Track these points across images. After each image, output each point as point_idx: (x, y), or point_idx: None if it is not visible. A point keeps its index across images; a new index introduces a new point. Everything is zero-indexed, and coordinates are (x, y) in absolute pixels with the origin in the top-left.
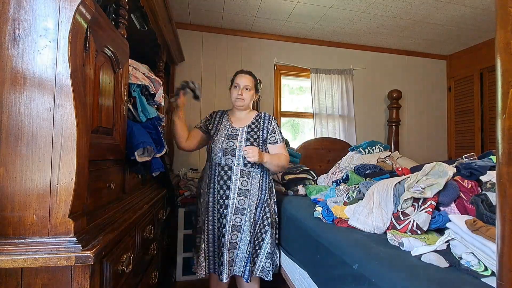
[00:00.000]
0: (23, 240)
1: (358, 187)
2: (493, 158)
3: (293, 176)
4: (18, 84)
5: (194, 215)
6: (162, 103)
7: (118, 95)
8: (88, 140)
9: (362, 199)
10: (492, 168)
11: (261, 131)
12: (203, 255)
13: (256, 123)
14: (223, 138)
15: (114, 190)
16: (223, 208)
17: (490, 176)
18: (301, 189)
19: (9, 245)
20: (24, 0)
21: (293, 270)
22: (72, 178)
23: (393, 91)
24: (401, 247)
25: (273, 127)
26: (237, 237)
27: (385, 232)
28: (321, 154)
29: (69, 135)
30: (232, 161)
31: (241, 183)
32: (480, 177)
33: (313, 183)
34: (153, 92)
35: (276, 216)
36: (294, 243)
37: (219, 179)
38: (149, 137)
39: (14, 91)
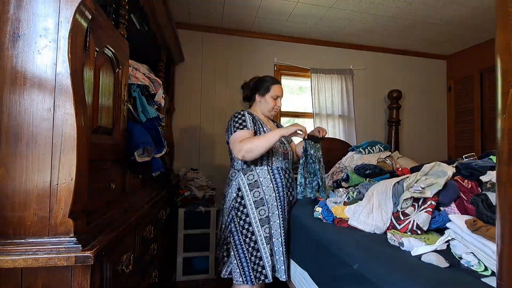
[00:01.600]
0: (23, 240)
1: (358, 188)
2: (493, 158)
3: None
4: (18, 84)
5: (236, 227)
6: (162, 104)
7: (118, 95)
8: (88, 140)
9: (362, 200)
10: (492, 168)
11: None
12: (282, 258)
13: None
14: (278, 143)
15: (114, 190)
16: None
17: (490, 176)
18: None
19: (9, 245)
20: (24, 0)
21: (293, 270)
22: (72, 178)
23: (393, 91)
24: (401, 247)
25: None
26: None
27: (385, 232)
28: None
29: (69, 135)
30: (289, 165)
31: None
32: (480, 177)
33: None
34: (153, 92)
35: None
36: (294, 243)
37: (286, 182)
38: (149, 137)
39: (14, 91)
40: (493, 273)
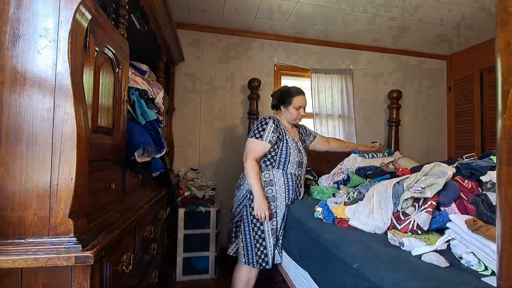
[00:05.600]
0: (23, 240)
1: (358, 189)
2: (493, 158)
3: None
4: (18, 84)
5: (247, 215)
6: (163, 108)
7: (118, 95)
8: (88, 140)
9: (362, 200)
10: (492, 168)
11: (306, 142)
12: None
13: (302, 136)
14: (296, 152)
15: (114, 190)
16: None
17: (490, 176)
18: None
19: (9, 245)
20: (24, 0)
21: (293, 270)
22: (72, 178)
23: (393, 91)
24: (401, 247)
25: (308, 130)
26: None
27: (385, 232)
28: (322, 154)
29: (69, 135)
30: (301, 172)
31: (303, 188)
32: (480, 177)
33: (314, 183)
34: (152, 96)
35: None
36: (294, 243)
37: (295, 186)
38: (149, 138)
39: (14, 91)
40: (493, 273)
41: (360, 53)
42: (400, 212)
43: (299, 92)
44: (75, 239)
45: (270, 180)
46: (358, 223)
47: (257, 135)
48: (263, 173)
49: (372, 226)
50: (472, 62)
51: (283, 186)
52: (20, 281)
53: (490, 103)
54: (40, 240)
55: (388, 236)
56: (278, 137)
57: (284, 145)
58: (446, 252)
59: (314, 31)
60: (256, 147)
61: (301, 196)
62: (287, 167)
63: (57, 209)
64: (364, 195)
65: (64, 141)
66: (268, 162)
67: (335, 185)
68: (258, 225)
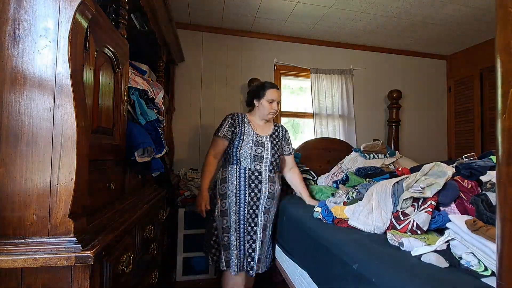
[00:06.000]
0: (23, 240)
1: (357, 188)
2: (493, 158)
3: None
4: (18, 84)
5: (211, 215)
6: (163, 108)
7: (118, 95)
8: (88, 140)
9: (361, 200)
10: (492, 168)
11: (280, 142)
12: (235, 252)
13: (276, 134)
14: (251, 144)
15: (114, 190)
16: (254, 208)
17: (490, 176)
18: None
19: (9, 245)
20: (24, 0)
21: (293, 270)
22: (72, 178)
23: (393, 91)
24: (401, 247)
25: (288, 139)
26: (265, 234)
27: (385, 232)
28: (321, 154)
29: (69, 135)
30: (261, 167)
31: (270, 187)
32: (480, 177)
33: (313, 183)
34: (152, 96)
35: None
36: (293, 243)
37: (250, 182)
38: (149, 138)
39: (14, 91)
40: (493, 273)
41: (360, 53)
42: (400, 212)
43: (272, 85)
44: (75, 239)
45: (226, 177)
46: (357, 223)
47: (216, 131)
48: (223, 171)
49: (372, 226)
50: (472, 62)
51: (234, 182)
52: (20, 281)
53: (490, 103)
54: (40, 240)
55: (388, 236)
56: (233, 131)
57: (238, 137)
58: (445, 253)
59: (314, 31)
60: (215, 142)
61: (264, 194)
62: (239, 161)
63: (57, 209)
64: (363, 195)
65: (64, 141)
66: (226, 159)
67: (334, 184)
68: (211, 223)
